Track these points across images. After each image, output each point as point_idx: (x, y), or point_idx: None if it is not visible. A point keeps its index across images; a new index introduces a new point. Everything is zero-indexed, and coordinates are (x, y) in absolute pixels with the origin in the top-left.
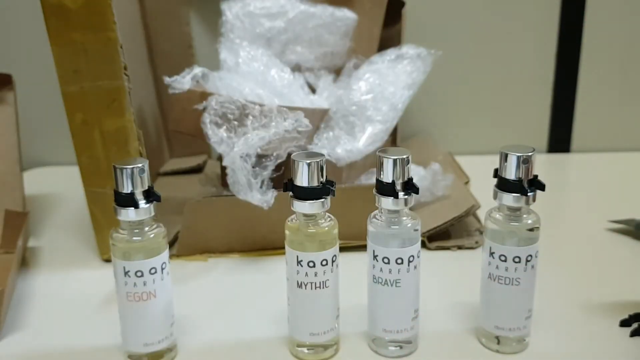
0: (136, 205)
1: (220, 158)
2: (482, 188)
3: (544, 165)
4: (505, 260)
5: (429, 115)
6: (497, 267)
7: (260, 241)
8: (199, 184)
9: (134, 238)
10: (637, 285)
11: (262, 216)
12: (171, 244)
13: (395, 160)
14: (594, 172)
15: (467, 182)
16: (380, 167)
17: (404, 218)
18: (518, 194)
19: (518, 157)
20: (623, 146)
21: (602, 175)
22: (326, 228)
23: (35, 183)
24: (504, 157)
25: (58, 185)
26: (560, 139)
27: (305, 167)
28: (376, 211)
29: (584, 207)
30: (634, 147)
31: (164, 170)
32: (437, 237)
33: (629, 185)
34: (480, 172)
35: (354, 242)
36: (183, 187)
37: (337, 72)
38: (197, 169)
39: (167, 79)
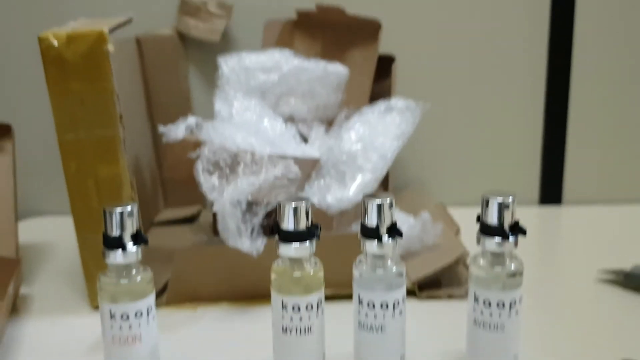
0: (124, 248)
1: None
2: (473, 238)
3: (536, 217)
4: (489, 306)
5: (422, 167)
6: (481, 312)
7: (250, 289)
8: (191, 232)
9: (121, 281)
10: (625, 335)
11: (251, 264)
12: (161, 293)
13: (379, 204)
14: (585, 224)
15: (457, 232)
16: (365, 211)
17: (389, 262)
18: (499, 239)
19: (499, 203)
20: (614, 198)
21: (592, 227)
22: (312, 272)
23: (31, 232)
24: (486, 203)
25: (53, 234)
26: (551, 191)
27: (291, 210)
28: (361, 255)
29: (574, 258)
30: (624, 199)
31: (159, 220)
32: (427, 286)
33: (620, 237)
34: (471, 223)
35: (341, 292)
36: (176, 236)
37: (330, 123)
38: (192, 219)
39: (161, 128)
